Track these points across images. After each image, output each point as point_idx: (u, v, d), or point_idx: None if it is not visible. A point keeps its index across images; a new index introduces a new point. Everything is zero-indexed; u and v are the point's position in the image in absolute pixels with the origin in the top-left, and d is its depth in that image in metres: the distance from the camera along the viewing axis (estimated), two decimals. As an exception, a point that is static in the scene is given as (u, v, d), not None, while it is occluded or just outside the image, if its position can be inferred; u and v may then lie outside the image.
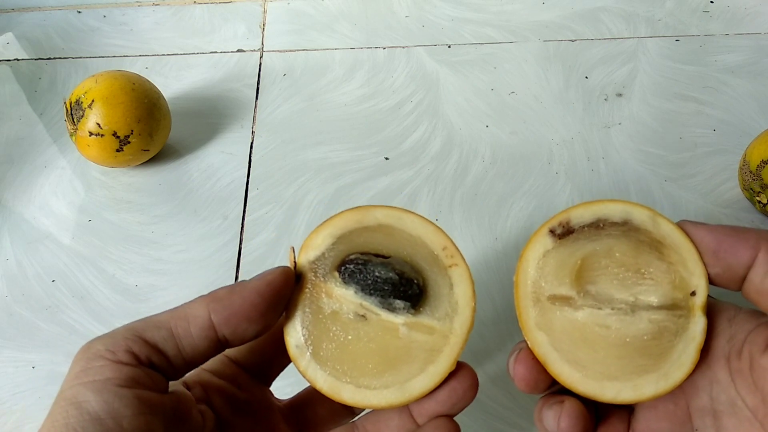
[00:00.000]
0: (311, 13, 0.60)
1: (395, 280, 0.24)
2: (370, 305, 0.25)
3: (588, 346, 0.24)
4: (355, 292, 0.25)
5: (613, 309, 0.25)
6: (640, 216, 0.25)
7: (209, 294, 0.24)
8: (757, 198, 0.41)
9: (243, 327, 0.23)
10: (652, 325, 0.24)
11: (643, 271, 0.25)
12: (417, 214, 0.26)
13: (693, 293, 0.24)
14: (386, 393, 0.24)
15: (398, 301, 0.24)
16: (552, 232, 0.25)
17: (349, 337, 0.24)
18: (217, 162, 0.49)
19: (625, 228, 0.25)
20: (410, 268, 0.25)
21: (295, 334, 0.25)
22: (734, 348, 0.23)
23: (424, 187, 0.46)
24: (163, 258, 0.44)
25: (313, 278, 0.25)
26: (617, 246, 0.25)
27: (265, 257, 0.43)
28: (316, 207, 0.46)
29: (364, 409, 0.28)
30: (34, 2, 0.62)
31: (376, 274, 0.24)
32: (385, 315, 0.25)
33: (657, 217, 0.25)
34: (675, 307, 0.24)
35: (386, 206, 0.26)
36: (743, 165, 0.42)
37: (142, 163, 0.48)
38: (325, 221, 0.25)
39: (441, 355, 0.24)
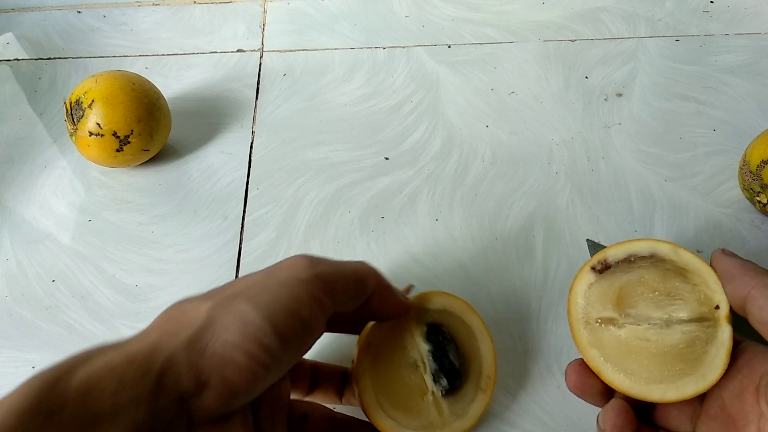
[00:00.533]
0: (311, 13, 0.60)
1: (454, 366, 0.32)
2: (428, 364, 0.32)
3: (633, 357, 0.29)
4: (428, 350, 0.32)
5: (650, 324, 0.30)
6: (663, 249, 0.30)
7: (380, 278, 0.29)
8: (757, 198, 0.41)
9: (373, 315, 0.30)
10: (685, 335, 0.29)
11: (672, 292, 0.30)
12: (492, 342, 0.34)
13: (717, 307, 0.29)
14: (390, 424, 0.31)
15: (444, 379, 0.32)
16: (593, 269, 0.32)
17: (396, 375, 0.32)
18: (217, 162, 0.49)
19: (653, 260, 0.30)
20: (465, 368, 0.33)
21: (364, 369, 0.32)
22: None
23: (424, 187, 0.46)
24: (163, 258, 0.44)
25: (408, 319, 0.33)
26: (647, 275, 0.30)
27: (265, 257, 0.43)
28: (316, 207, 0.46)
29: None
30: (34, 2, 0.62)
31: (450, 353, 0.32)
32: (428, 378, 0.32)
33: (678, 249, 0.30)
34: (703, 320, 0.29)
35: (482, 320, 0.34)
36: (743, 165, 0.42)
37: (142, 163, 0.48)
38: (444, 291, 0.34)
39: (433, 430, 0.31)
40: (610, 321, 0.30)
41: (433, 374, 0.32)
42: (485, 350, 0.33)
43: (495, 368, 0.33)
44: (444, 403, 0.32)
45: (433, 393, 0.32)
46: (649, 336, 0.29)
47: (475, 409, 0.32)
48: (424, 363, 0.32)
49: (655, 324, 0.30)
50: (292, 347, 0.23)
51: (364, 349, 0.32)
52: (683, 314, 0.29)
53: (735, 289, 0.27)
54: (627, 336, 0.30)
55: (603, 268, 0.31)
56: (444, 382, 0.32)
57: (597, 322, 0.31)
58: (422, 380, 0.32)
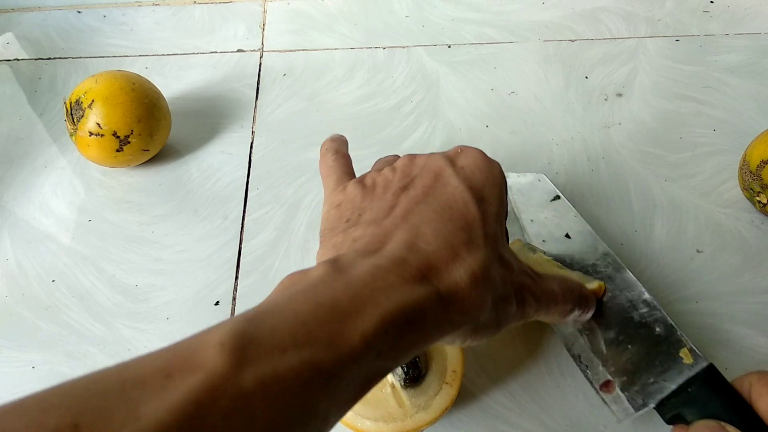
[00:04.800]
0: (311, 13, 0.60)
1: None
2: None
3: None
4: None
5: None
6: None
7: None
8: (757, 198, 0.41)
9: None
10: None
11: None
12: None
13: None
14: (349, 414, 0.32)
15: (400, 369, 0.32)
16: None
17: None
18: (217, 162, 0.49)
19: None
20: (425, 360, 0.33)
21: None
22: None
23: (424, 187, 0.46)
24: (163, 258, 0.44)
25: None
26: None
27: (265, 257, 0.43)
28: (316, 207, 0.46)
29: None
30: (34, 2, 0.62)
31: None
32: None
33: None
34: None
35: None
36: (743, 165, 0.42)
37: (142, 163, 0.48)
38: None
39: (393, 423, 0.32)
40: None
41: None
42: (450, 346, 0.34)
43: (462, 363, 0.34)
44: (405, 395, 0.32)
45: (392, 385, 0.33)
46: None
47: (440, 402, 0.33)
48: None
49: None
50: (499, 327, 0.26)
51: None
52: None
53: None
54: None
55: None
56: (400, 371, 0.32)
57: None
58: None
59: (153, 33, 0.59)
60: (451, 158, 0.29)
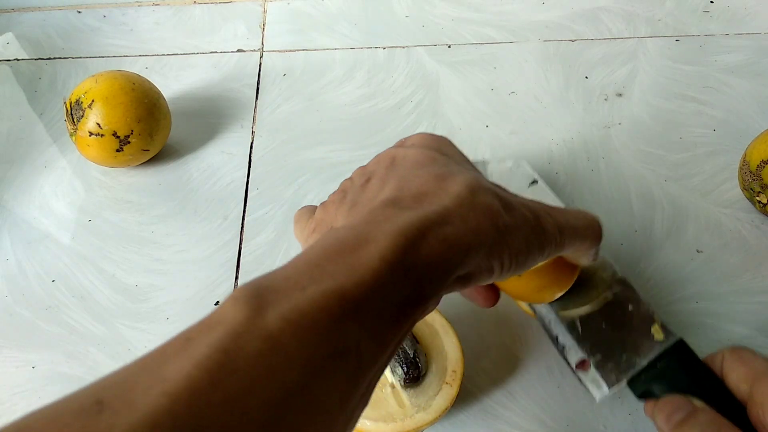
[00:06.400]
0: (311, 13, 0.60)
1: (409, 357, 0.33)
2: None
3: None
4: None
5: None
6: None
7: None
8: (757, 198, 0.41)
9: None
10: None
11: None
12: (458, 337, 0.35)
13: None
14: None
15: (400, 369, 0.32)
16: None
17: None
18: (217, 162, 0.49)
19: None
20: (425, 361, 0.33)
21: None
22: None
23: (424, 187, 0.46)
24: (163, 258, 0.44)
25: None
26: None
27: (265, 257, 0.43)
28: (316, 207, 0.46)
29: None
30: (34, 2, 0.62)
31: (404, 344, 0.33)
32: (386, 369, 0.32)
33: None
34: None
35: (444, 317, 0.35)
36: (743, 165, 0.42)
37: (142, 163, 0.48)
38: None
39: (393, 423, 0.32)
40: None
41: (389, 365, 0.33)
42: (450, 346, 0.34)
43: (462, 363, 0.34)
44: (405, 396, 0.33)
45: (392, 385, 0.33)
46: None
47: (440, 402, 0.33)
48: None
49: None
50: (507, 271, 0.24)
51: None
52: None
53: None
54: None
55: None
56: (400, 371, 0.32)
57: None
58: None
59: (153, 33, 0.59)
60: (398, 145, 0.30)
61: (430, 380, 0.33)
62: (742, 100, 0.50)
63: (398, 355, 0.33)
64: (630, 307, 0.33)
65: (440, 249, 0.21)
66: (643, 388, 0.30)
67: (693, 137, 0.48)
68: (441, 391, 0.33)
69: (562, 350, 0.32)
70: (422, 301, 0.20)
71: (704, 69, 0.53)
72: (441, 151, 0.27)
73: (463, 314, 0.39)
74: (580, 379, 0.31)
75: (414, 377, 0.32)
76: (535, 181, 0.41)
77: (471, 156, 0.30)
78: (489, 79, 0.53)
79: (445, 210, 0.22)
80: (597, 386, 0.31)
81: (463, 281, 0.23)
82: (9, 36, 0.60)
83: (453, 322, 0.35)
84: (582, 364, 0.31)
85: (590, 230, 0.27)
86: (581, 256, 0.29)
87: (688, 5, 0.58)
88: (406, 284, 0.19)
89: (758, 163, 0.40)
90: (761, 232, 0.43)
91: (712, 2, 0.58)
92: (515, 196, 0.26)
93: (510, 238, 0.23)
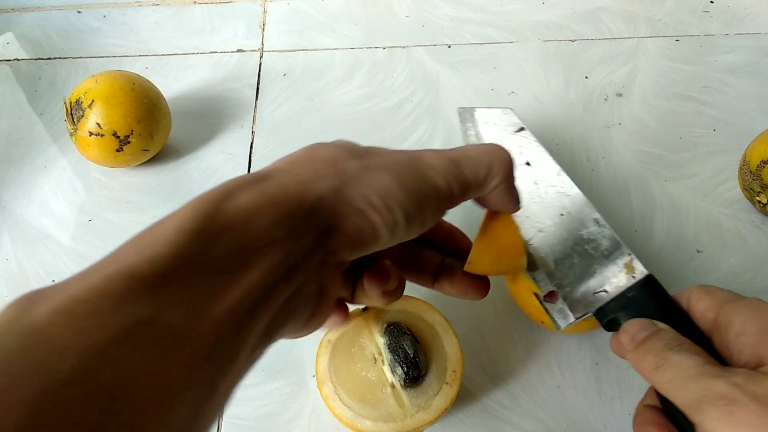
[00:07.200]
0: (311, 13, 0.60)
1: (409, 357, 0.33)
2: (385, 356, 0.33)
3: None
4: (384, 342, 0.33)
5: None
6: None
7: None
8: (757, 198, 0.41)
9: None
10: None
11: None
12: (458, 337, 0.35)
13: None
14: (349, 414, 0.33)
15: (399, 369, 0.32)
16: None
17: (355, 369, 0.33)
18: (217, 162, 0.49)
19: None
20: (425, 361, 0.33)
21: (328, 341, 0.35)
22: None
23: (424, 187, 0.46)
24: (163, 258, 0.43)
25: (368, 319, 0.34)
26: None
27: (265, 257, 0.43)
28: (316, 207, 0.46)
29: None
30: (34, 2, 0.62)
31: (404, 344, 0.33)
32: (386, 369, 0.33)
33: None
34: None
35: (444, 317, 0.35)
36: (743, 165, 0.42)
37: (142, 163, 0.48)
38: (405, 295, 0.33)
39: (393, 423, 0.32)
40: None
41: (389, 365, 0.33)
42: (450, 346, 0.34)
43: (462, 363, 0.34)
44: (405, 395, 0.32)
45: (392, 385, 0.33)
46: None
47: (440, 403, 0.33)
48: (381, 355, 0.33)
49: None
50: (413, 226, 0.25)
51: (325, 346, 0.35)
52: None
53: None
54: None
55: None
56: (400, 371, 0.32)
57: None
58: (382, 373, 0.33)
59: (153, 33, 0.59)
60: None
61: (430, 380, 0.33)
62: (742, 100, 0.50)
63: (398, 355, 0.32)
64: (604, 245, 0.33)
65: (255, 203, 0.20)
66: (611, 316, 0.30)
67: (693, 137, 0.48)
68: (441, 391, 0.33)
69: (533, 282, 0.32)
70: (245, 261, 0.20)
71: (704, 69, 0.53)
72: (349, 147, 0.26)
73: (463, 314, 0.39)
74: (547, 310, 0.32)
75: (414, 377, 0.32)
76: (522, 128, 0.41)
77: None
78: (489, 79, 0.53)
79: (271, 170, 0.22)
80: (563, 315, 0.31)
81: (334, 240, 0.22)
82: (9, 36, 0.60)
83: (453, 322, 0.35)
84: (550, 296, 0.31)
85: (492, 154, 0.27)
86: (501, 198, 0.28)
87: (688, 5, 0.58)
88: (218, 248, 0.19)
89: (758, 163, 0.40)
90: (761, 232, 0.43)
91: (712, 2, 0.58)
92: (389, 150, 0.26)
93: (370, 179, 0.23)
